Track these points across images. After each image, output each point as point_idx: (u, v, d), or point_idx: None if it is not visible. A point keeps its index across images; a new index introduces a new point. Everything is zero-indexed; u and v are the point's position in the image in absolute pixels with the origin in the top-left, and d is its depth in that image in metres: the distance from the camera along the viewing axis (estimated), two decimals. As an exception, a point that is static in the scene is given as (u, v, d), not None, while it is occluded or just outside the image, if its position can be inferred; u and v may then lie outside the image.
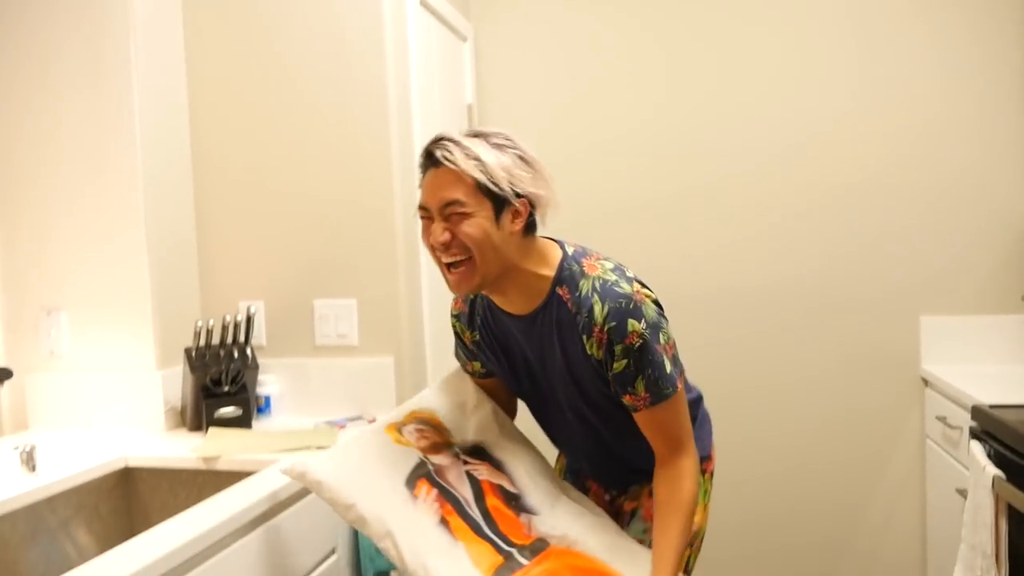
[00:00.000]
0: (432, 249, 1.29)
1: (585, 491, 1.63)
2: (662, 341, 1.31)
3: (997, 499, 1.60)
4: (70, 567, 1.57)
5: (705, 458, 1.56)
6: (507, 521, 1.35)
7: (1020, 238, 2.39)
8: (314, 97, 2.05)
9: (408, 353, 2.03)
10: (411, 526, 1.27)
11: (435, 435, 1.46)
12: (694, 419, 1.51)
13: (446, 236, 1.26)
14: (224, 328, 1.95)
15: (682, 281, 2.61)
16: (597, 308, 1.28)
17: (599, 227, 2.65)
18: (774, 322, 2.56)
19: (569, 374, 1.36)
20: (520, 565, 1.28)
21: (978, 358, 2.42)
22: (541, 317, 1.34)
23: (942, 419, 2.22)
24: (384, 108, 2.00)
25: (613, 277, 1.30)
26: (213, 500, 1.40)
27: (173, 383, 2.01)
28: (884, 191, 2.47)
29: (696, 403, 1.57)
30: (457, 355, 1.57)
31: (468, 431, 1.49)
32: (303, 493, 1.59)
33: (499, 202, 1.25)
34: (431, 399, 1.51)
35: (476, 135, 1.29)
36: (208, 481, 1.73)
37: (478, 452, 1.46)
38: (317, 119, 2.05)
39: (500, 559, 1.28)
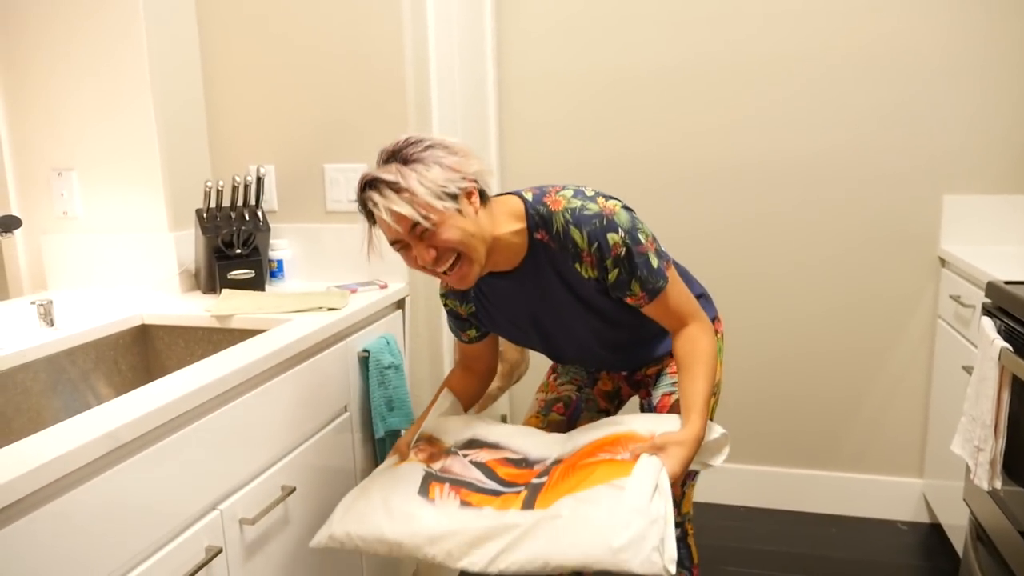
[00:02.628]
0: (423, 268, 1.33)
1: (597, 380, 1.75)
2: (643, 240, 1.38)
3: (1002, 371, 1.61)
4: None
5: (713, 319, 1.66)
6: (523, 476, 1.42)
7: (1055, 114, 2.30)
8: (321, -51, 1.95)
9: (419, 220, 2.02)
10: (439, 525, 1.30)
11: (430, 446, 1.53)
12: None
13: (431, 252, 1.30)
14: (235, 190, 1.94)
15: (697, 156, 2.55)
16: (577, 236, 1.36)
17: (614, 97, 2.57)
18: (794, 198, 2.51)
19: (576, 299, 1.45)
20: (542, 483, 1.35)
21: (1000, 239, 2.37)
22: (531, 264, 1.42)
23: (956, 298, 2.20)
24: (394, -39, 1.91)
25: (578, 203, 1.38)
26: (225, 353, 1.43)
27: (186, 245, 2.02)
28: (912, 61, 2.35)
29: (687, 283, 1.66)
30: (450, 327, 1.64)
31: (457, 432, 1.56)
32: (316, 350, 1.63)
33: (452, 198, 1.28)
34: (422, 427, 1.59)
35: (390, 160, 1.29)
36: (223, 339, 1.77)
37: (472, 443, 1.53)
38: (324, -27, 1.96)
39: (524, 492, 1.35)
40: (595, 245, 1.36)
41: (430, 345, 2.10)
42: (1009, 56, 2.29)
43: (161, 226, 1.99)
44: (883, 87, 2.39)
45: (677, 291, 1.44)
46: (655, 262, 1.39)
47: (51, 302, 1.64)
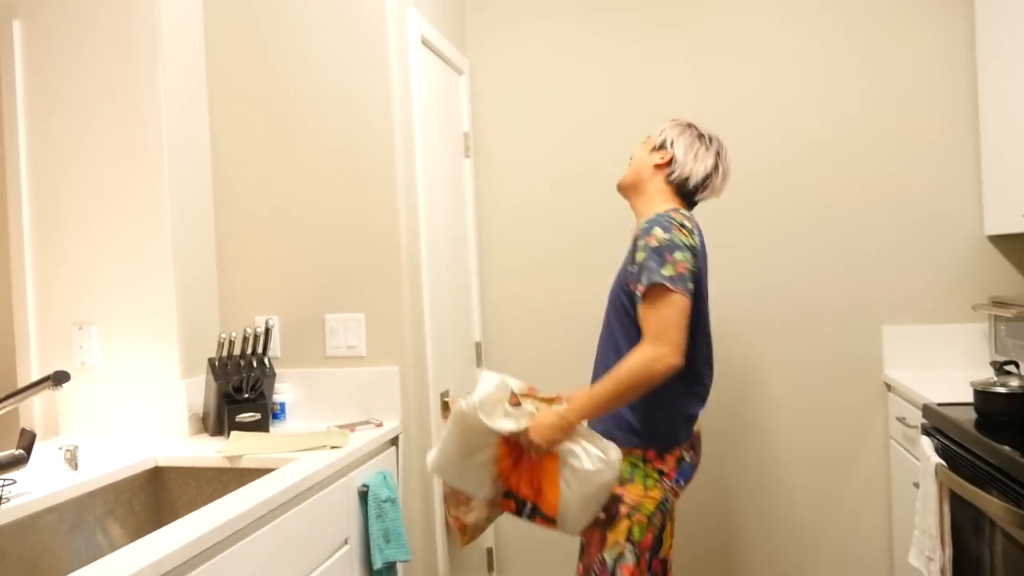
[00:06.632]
0: None
1: None
2: (676, 257, 1.66)
3: (940, 486, 1.79)
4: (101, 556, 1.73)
5: (664, 451, 1.77)
6: None
7: (971, 254, 2.61)
8: (326, 128, 2.24)
9: (412, 362, 2.22)
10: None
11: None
12: (668, 405, 1.76)
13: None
14: (245, 340, 2.13)
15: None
16: (645, 225, 1.74)
17: (579, 247, 2.85)
18: (747, 331, 2.76)
19: (617, 281, 1.81)
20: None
21: (935, 364, 2.62)
22: (640, 227, 1.77)
23: (902, 420, 2.41)
24: (390, 139, 2.20)
25: (668, 222, 1.73)
26: (235, 494, 1.56)
27: (195, 391, 2.18)
28: (851, 212, 2.69)
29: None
30: None
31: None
32: (319, 488, 1.77)
33: (661, 145, 1.86)
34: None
35: (692, 125, 1.88)
36: (232, 478, 1.91)
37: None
38: (329, 148, 2.24)
39: None
40: (644, 226, 1.72)
41: (422, 480, 2.24)
42: (932, 206, 2.63)
43: (173, 374, 2.16)
44: (828, 233, 2.70)
45: (661, 311, 1.63)
46: (667, 271, 1.64)
47: (76, 447, 1.78)
